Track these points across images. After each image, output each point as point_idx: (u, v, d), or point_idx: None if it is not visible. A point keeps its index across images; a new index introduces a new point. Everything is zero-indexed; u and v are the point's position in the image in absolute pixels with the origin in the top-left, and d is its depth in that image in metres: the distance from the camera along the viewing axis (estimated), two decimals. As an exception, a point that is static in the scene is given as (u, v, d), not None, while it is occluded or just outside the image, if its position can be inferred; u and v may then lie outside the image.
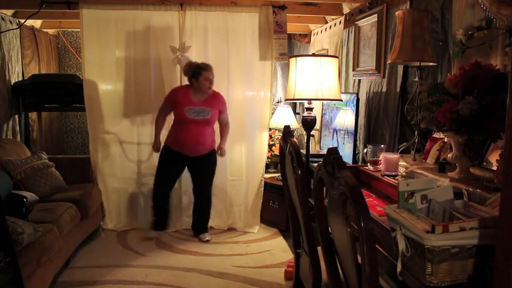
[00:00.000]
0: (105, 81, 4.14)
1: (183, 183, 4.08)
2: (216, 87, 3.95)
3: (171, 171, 3.83)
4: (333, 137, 4.06)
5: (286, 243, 3.85)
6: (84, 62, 4.04)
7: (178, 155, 3.71)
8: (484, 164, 1.97)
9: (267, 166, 4.63)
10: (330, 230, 1.63)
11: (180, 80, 4.04)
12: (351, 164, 3.38)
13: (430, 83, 2.62)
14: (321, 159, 1.49)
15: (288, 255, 3.52)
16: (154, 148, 3.86)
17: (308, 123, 3.28)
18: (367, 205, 1.20)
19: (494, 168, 1.81)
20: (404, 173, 2.31)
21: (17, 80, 4.32)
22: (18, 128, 4.30)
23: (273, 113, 4.70)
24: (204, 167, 3.81)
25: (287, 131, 2.13)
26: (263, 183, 4.25)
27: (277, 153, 4.63)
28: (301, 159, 1.91)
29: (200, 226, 3.94)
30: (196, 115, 3.64)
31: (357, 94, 3.54)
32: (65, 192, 3.61)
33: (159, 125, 3.84)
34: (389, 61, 2.61)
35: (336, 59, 3.27)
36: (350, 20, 4.05)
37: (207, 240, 3.83)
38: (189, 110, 3.63)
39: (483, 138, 1.94)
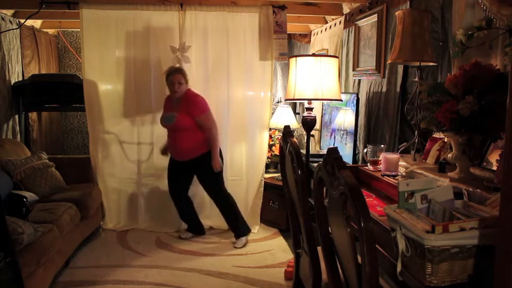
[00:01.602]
0: (105, 81, 4.14)
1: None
2: (216, 87, 3.96)
3: (175, 178, 3.82)
4: (331, 137, 4.07)
5: (286, 243, 3.85)
6: (84, 62, 4.04)
7: (176, 161, 3.73)
8: (484, 164, 1.97)
9: (267, 166, 4.63)
10: (330, 230, 1.63)
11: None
12: (351, 164, 3.38)
13: (430, 83, 2.62)
14: (321, 159, 1.49)
15: (288, 255, 3.52)
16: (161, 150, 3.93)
17: (308, 123, 3.28)
18: (367, 205, 1.20)
19: (494, 168, 1.81)
20: (404, 173, 2.31)
21: (17, 80, 4.32)
22: (18, 128, 4.30)
23: (273, 113, 4.70)
24: (198, 171, 3.75)
25: (287, 131, 2.13)
26: (263, 183, 4.24)
27: (277, 153, 4.63)
28: (301, 159, 1.91)
29: (232, 231, 3.85)
30: (166, 122, 3.65)
31: (357, 94, 3.54)
32: (65, 192, 3.61)
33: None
34: (389, 61, 2.61)
35: (336, 59, 3.26)
36: (350, 20, 4.05)
37: (237, 247, 3.72)
38: (162, 117, 3.70)
39: (483, 138, 1.94)
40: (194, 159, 3.64)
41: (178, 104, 3.61)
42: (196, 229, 3.95)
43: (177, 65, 3.81)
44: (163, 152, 3.88)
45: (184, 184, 3.86)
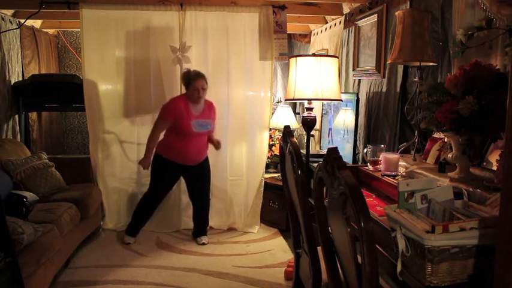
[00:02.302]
0: (105, 81, 4.14)
1: (183, 184, 4.06)
2: (216, 87, 3.95)
3: (169, 181, 3.80)
4: (328, 135, 4.07)
5: (286, 243, 3.85)
6: (84, 62, 4.04)
7: (174, 164, 3.65)
8: (484, 164, 1.97)
9: (267, 166, 4.63)
10: (330, 230, 1.63)
11: (180, 80, 4.04)
12: (351, 164, 3.38)
13: (430, 83, 2.62)
14: (321, 159, 1.49)
15: (288, 255, 3.52)
16: (145, 165, 3.66)
17: (308, 123, 3.28)
18: (367, 205, 1.20)
19: (494, 168, 1.81)
20: (404, 173, 2.31)
21: (17, 80, 4.32)
22: (18, 128, 4.30)
23: (273, 113, 4.70)
24: (203, 173, 3.77)
25: (287, 131, 2.13)
26: (263, 183, 4.24)
27: (277, 153, 4.63)
28: (301, 159, 1.91)
29: (199, 229, 3.90)
30: (202, 128, 3.60)
31: (357, 94, 3.54)
32: (65, 192, 3.61)
33: (154, 142, 3.64)
34: (389, 61, 2.61)
35: (336, 59, 3.26)
36: (350, 20, 4.05)
37: (203, 243, 3.79)
38: (196, 123, 3.55)
39: (483, 138, 1.94)
40: (201, 162, 3.72)
41: (203, 110, 3.63)
42: (137, 231, 3.88)
43: (196, 69, 3.67)
44: (148, 166, 3.68)
45: (171, 188, 3.91)
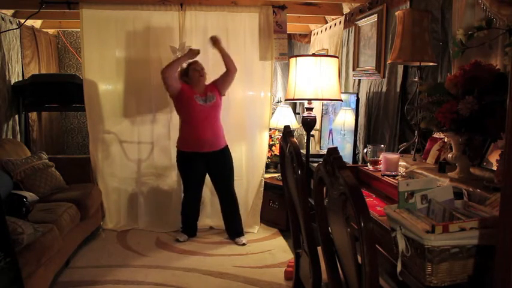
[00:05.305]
0: (105, 81, 4.14)
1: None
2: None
3: (194, 173, 3.77)
4: (328, 138, 4.07)
5: (286, 243, 3.85)
6: (84, 62, 4.04)
7: (196, 155, 3.68)
8: (484, 164, 1.97)
9: (267, 166, 4.63)
10: (330, 230, 1.63)
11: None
12: (351, 164, 3.38)
13: (430, 83, 2.62)
14: (321, 159, 1.49)
15: (288, 255, 3.52)
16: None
17: (308, 123, 3.28)
18: (367, 205, 1.20)
19: (494, 168, 1.81)
20: (404, 173, 2.31)
21: (17, 80, 4.32)
22: (18, 128, 4.30)
23: (273, 113, 4.70)
24: (222, 163, 3.75)
25: (287, 131, 2.13)
26: (263, 183, 4.24)
27: (277, 153, 4.63)
28: (301, 159, 1.91)
29: (234, 229, 3.88)
30: (206, 101, 3.66)
31: (357, 94, 3.54)
32: (65, 192, 3.61)
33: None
34: (389, 61, 2.61)
35: (336, 59, 3.27)
36: (350, 20, 4.05)
37: (243, 244, 3.77)
38: (198, 99, 3.65)
39: (483, 138, 1.94)
40: (217, 151, 3.68)
41: (205, 89, 3.70)
42: (191, 230, 3.93)
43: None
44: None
45: (202, 180, 3.85)
